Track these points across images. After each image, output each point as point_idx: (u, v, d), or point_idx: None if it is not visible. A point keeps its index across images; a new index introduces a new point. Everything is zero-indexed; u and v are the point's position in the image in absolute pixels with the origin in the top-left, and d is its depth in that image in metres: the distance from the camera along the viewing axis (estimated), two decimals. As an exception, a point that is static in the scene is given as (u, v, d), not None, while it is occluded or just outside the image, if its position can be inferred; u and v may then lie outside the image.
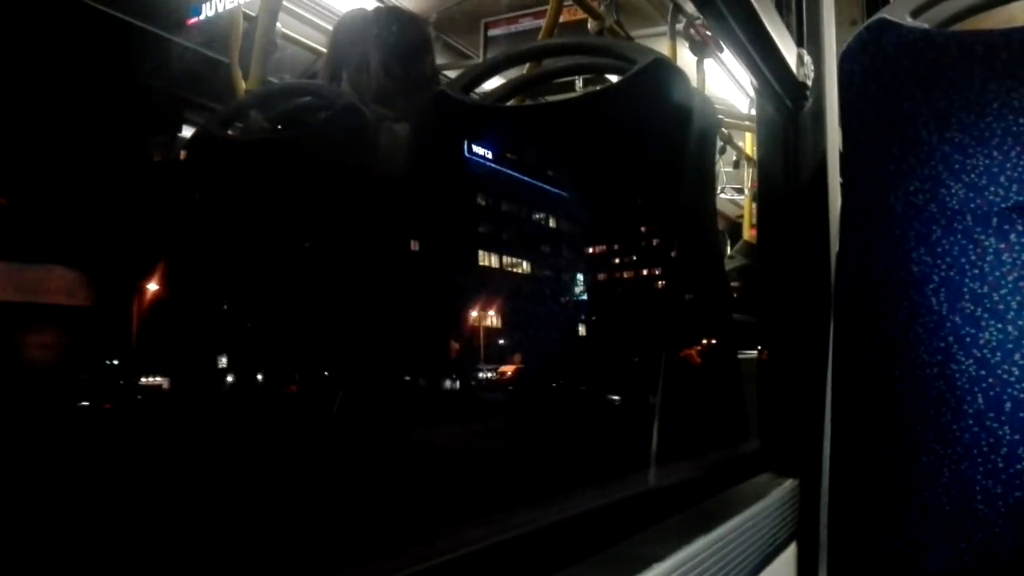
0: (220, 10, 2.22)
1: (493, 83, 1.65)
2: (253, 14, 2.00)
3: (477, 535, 0.66)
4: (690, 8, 2.67)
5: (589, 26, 2.53)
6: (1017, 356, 1.06)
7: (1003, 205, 1.09)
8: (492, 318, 1.51)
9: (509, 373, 1.48)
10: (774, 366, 1.31)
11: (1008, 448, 1.06)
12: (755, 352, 1.43)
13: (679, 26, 2.69)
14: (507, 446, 1.24)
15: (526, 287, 1.58)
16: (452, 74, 2.71)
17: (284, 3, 2.18)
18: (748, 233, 3.81)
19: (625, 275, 1.48)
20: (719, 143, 3.40)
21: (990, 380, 1.07)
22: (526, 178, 1.58)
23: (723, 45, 2.31)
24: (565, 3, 2.23)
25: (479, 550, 0.65)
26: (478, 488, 0.99)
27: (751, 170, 3.93)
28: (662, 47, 2.58)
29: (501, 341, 1.52)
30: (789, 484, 1.19)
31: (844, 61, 1.21)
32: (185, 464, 1.02)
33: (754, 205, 3.87)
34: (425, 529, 0.69)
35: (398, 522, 0.84)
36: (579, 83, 2.49)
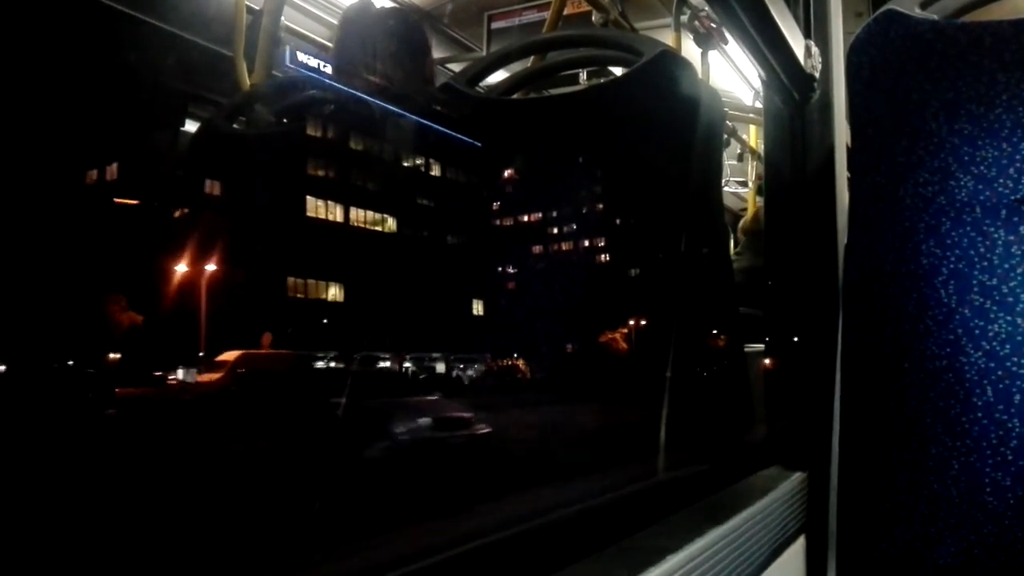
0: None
1: (496, 77, 1.65)
2: (257, 8, 2.00)
3: (492, 528, 0.66)
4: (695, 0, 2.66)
5: (593, 18, 2.52)
6: None
7: (1012, 197, 1.09)
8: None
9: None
10: (783, 359, 1.31)
11: (1018, 440, 1.06)
12: (761, 345, 1.43)
13: (684, 18, 2.68)
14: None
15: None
16: (456, 67, 2.71)
17: (288, -3, 2.17)
18: (746, 221, 3.77)
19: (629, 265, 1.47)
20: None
21: (999, 372, 1.07)
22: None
23: (730, 37, 2.30)
24: (569, -5, 2.23)
25: (492, 543, 0.65)
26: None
27: (755, 163, 3.91)
28: (666, 39, 2.57)
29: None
30: (798, 477, 1.19)
31: (852, 53, 1.20)
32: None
33: (758, 198, 3.85)
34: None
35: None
36: (583, 76, 2.48)
